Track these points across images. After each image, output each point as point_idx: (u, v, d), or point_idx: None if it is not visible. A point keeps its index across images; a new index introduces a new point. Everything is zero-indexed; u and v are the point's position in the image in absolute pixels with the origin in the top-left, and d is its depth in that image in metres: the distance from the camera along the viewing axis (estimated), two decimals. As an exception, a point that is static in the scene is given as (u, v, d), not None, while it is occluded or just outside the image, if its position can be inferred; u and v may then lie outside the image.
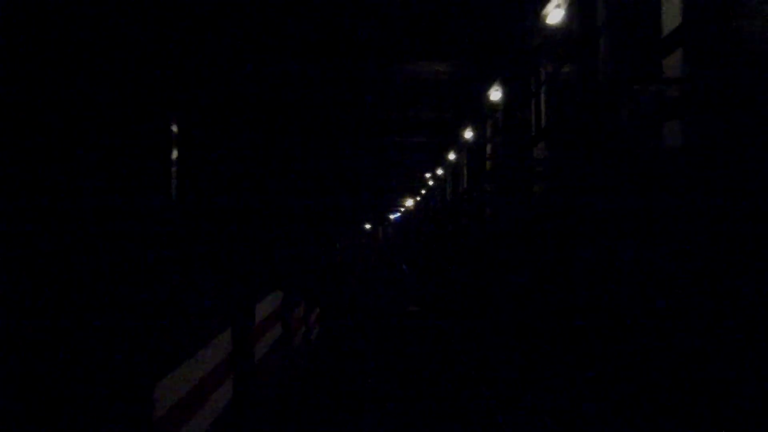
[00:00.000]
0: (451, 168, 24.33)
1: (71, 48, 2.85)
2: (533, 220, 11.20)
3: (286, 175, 8.22)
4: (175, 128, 3.77)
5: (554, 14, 10.08)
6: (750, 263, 4.83)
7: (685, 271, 5.69)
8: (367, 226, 42.73)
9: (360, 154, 23.35)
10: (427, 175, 31.90)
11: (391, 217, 47.99)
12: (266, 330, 6.06)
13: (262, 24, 7.78)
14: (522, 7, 11.47)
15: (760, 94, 5.26)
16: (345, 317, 14.30)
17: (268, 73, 7.56)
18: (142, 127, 3.17)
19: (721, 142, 5.71)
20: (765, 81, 5.23)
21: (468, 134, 18.76)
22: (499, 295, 12.44)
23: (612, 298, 6.73)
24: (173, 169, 3.59)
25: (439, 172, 27.85)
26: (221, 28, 5.67)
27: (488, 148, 16.60)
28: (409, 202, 43.16)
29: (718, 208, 5.39)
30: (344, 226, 21.99)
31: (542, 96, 11.26)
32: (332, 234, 15.83)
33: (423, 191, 36.04)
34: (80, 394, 2.57)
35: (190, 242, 3.91)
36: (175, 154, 3.62)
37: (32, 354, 2.54)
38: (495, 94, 15.02)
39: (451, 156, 22.96)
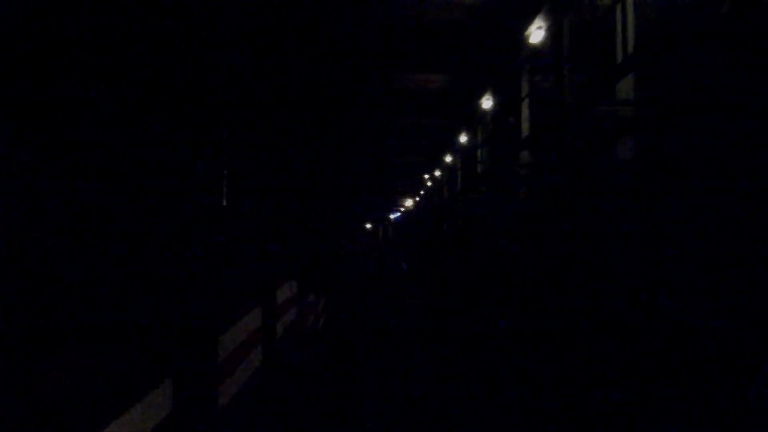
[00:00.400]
0: (448, 170, 25.52)
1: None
2: (518, 220, 12.38)
3: (298, 181, 9.39)
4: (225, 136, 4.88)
5: (536, 35, 11.29)
6: (687, 257, 5.99)
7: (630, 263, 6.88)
8: (368, 226, 43.82)
9: (363, 157, 24.55)
10: (426, 176, 33.15)
11: (391, 217, 49.13)
12: (285, 311, 7.30)
13: (280, 40, 8.93)
14: (511, 25, 12.64)
15: (702, 113, 6.43)
16: (347, 309, 15.55)
17: (281, 83, 8.72)
18: (200, 142, 4.27)
19: (666, 155, 6.91)
20: (704, 102, 6.38)
21: (463, 139, 19.97)
22: (487, 290, 13.65)
23: (593, 294, 7.90)
24: (225, 174, 4.71)
25: (437, 173, 29.08)
26: (253, 44, 6.80)
27: (480, 152, 17.80)
28: (409, 203, 44.36)
29: (664, 210, 6.58)
30: (347, 226, 23.14)
31: (524, 108, 12.47)
32: (336, 233, 17.01)
33: (422, 192, 37.26)
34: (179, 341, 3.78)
35: (234, 238, 5.06)
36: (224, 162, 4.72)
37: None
38: (486, 103, 16.24)
39: (448, 158, 24.17)
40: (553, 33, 9.74)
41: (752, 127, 5.35)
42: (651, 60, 7.16)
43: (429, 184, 32.99)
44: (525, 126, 12.53)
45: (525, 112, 12.49)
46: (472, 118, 18.31)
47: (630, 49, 7.47)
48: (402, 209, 47.52)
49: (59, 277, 2.69)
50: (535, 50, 11.67)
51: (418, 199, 40.14)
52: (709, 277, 5.47)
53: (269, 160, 8.00)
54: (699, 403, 5.06)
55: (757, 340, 4.65)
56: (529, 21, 11.28)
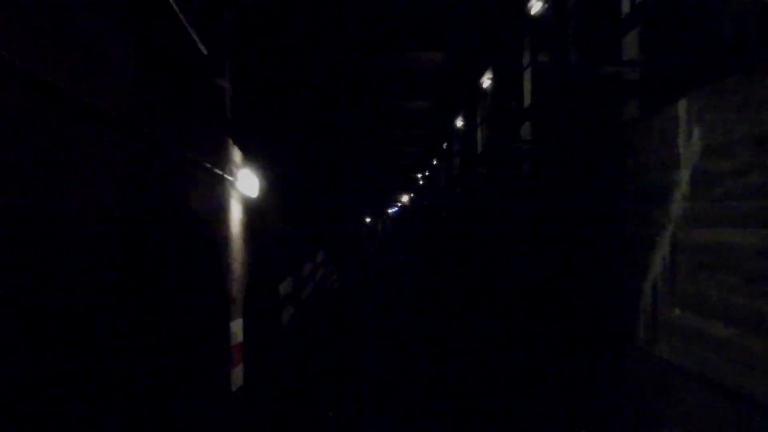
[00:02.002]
0: (434, 171, 30.39)
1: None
2: (474, 220, 17.22)
3: (322, 185, 14.24)
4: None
5: (486, 83, 16.20)
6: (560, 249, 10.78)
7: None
8: (368, 220, 48.51)
9: (367, 162, 29.52)
10: (418, 175, 38.04)
11: (389, 211, 53.91)
12: (319, 269, 12.29)
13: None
14: (469, 75, 17.50)
15: (572, 150, 11.20)
16: (353, 277, 20.58)
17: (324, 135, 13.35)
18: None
19: (550, 175, 11.75)
20: (574, 142, 11.13)
21: (445, 146, 24.84)
22: (453, 274, 18.59)
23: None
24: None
25: (427, 173, 33.96)
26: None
27: (455, 160, 22.66)
28: (405, 198, 49.15)
29: (549, 211, 11.38)
30: (352, 220, 28.05)
31: (479, 132, 17.35)
32: (344, 226, 21.91)
33: (414, 189, 42.09)
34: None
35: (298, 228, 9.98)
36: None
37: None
38: (459, 122, 21.12)
39: (434, 162, 29.04)
40: (493, 84, 14.67)
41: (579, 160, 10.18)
42: (536, 114, 12.01)
43: (421, 183, 37.82)
44: (480, 145, 17.38)
45: (479, 134, 17.36)
46: (451, 133, 23.18)
47: (525, 104, 12.35)
48: (399, 204, 52.25)
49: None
50: (485, 92, 16.57)
51: (412, 195, 44.84)
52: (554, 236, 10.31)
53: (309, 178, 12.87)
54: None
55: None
56: (481, 73, 16.18)
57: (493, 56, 14.84)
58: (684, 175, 5.44)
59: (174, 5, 3.56)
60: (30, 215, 2.04)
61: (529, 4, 11.32)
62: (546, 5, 10.49)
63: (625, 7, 7.62)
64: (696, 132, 5.25)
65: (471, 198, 17.95)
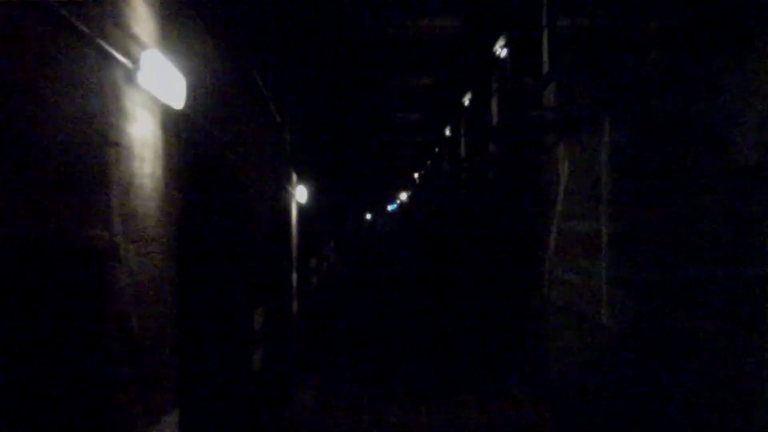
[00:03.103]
0: (428, 172, 33.84)
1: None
2: (464, 216, 20.73)
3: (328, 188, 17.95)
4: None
5: (466, 102, 19.71)
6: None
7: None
8: (369, 216, 51.98)
9: (370, 165, 33.08)
10: (415, 174, 41.51)
11: (389, 208, 57.27)
12: (330, 256, 15.88)
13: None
14: (454, 97, 20.96)
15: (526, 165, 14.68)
16: (356, 264, 24.21)
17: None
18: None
19: (510, 182, 15.26)
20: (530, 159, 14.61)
21: (436, 150, 28.33)
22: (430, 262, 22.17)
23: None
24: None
25: (423, 173, 37.42)
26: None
27: (445, 164, 26.16)
28: (402, 196, 52.51)
29: (508, 211, 14.87)
30: (356, 216, 31.68)
31: (462, 141, 20.87)
32: (350, 220, 25.55)
33: (412, 188, 45.52)
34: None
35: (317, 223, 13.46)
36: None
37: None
38: (447, 132, 24.64)
39: (429, 163, 32.54)
40: (471, 105, 18.23)
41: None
42: (501, 135, 15.51)
43: (417, 182, 41.27)
44: (463, 152, 20.89)
45: (462, 144, 20.87)
46: (441, 140, 26.70)
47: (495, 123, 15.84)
48: (397, 202, 55.59)
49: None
50: (466, 110, 20.08)
51: (409, 193, 48.23)
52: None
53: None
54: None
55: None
56: (462, 96, 19.70)
57: (469, 86, 18.37)
58: (562, 187, 8.98)
59: (271, 102, 7.01)
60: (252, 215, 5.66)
61: (495, 48, 14.85)
62: (503, 54, 13.99)
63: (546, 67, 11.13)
64: (566, 163, 8.80)
65: (458, 196, 21.44)
